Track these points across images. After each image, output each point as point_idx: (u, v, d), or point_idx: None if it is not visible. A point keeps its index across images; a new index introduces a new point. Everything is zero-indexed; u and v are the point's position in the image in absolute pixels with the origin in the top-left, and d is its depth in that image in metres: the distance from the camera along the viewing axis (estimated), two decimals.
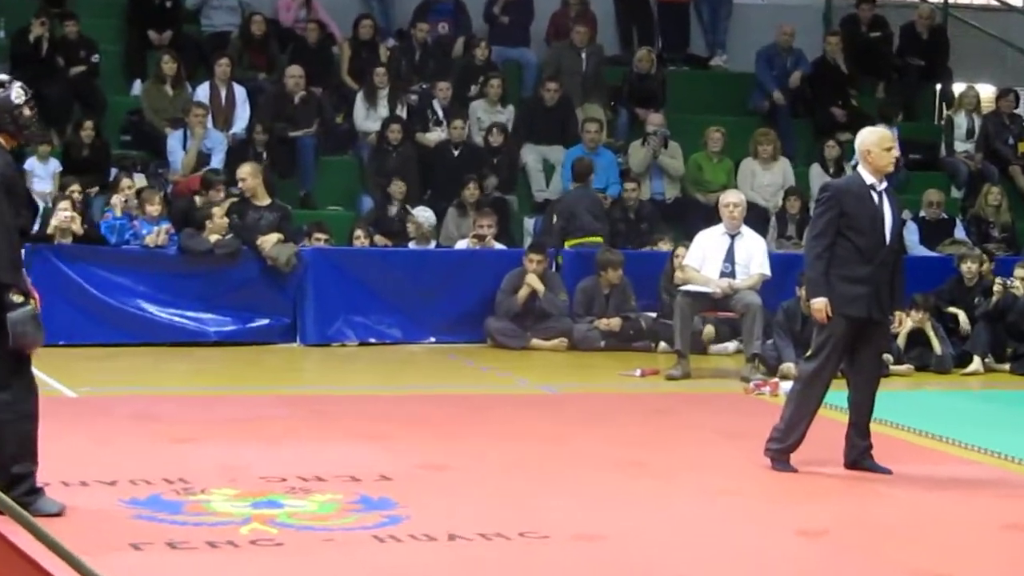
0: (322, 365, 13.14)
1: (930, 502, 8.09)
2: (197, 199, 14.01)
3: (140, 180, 14.41)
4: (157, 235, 13.40)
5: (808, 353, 8.76)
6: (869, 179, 8.49)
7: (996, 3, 19.93)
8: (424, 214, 14.83)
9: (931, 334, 13.26)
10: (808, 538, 7.18)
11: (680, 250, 13.37)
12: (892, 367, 12.52)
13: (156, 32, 16.20)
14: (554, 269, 14.43)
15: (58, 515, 6.80)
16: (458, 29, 17.32)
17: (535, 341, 13.94)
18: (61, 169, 14.43)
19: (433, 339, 14.05)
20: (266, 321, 13.66)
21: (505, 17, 17.46)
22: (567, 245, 14.73)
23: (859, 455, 8.61)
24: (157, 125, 15.40)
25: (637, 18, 18.22)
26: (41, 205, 13.44)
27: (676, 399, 11.47)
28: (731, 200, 12.71)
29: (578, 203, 14.90)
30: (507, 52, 17.39)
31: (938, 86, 18.72)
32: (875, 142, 8.50)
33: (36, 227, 12.63)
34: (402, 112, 15.93)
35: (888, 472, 8.54)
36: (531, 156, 16.26)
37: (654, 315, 14.05)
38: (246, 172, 13.88)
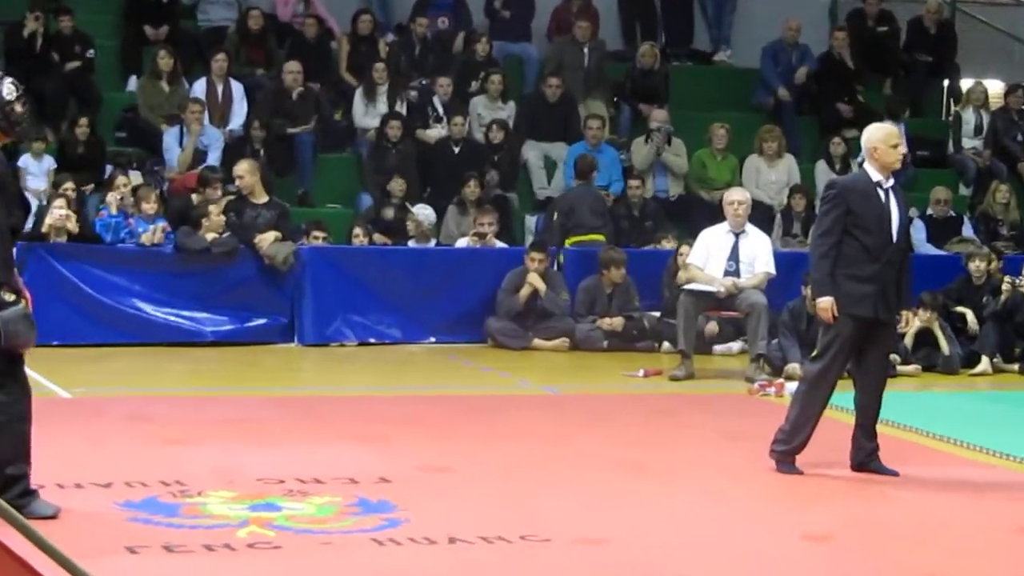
0: (320, 365, 13.06)
1: (938, 505, 8.01)
2: (193, 197, 13.92)
3: (136, 177, 14.38)
4: (153, 233, 13.31)
5: (814, 353, 8.66)
6: (876, 176, 8.41)
7: None
8: (424, 212, 14.72)
9: (939, 334, 13.16)
10: (813, 541, 7.10)
11: (684, 248, 13.30)
12: (899, 367, 12.43)
13: (152, 27, 16.14)
14: (556, 268, 14.33)
15: (53, 518, 6.74)
16: (458, 24, 17.26)
17: (536, 341, 13.83)
18: (56, 166, 14.33)
19: (433, 339, 13.96)
20: (263, 321, 13.56)
21: (506, 12, 17.40)
22: (569, 243, 14.64)
23: (866, 457, 8.53)
24: (153, 122, 15.31)
25: (640, 13, 18.14)
26: (35, 203, 13.36)
27: (679, 400, 11.40)
28: (735, 198, 12.60)
29: (580, 201, 14.81)
30: (508, 47, 17.31)
31: (946, 82, 18.62)
32: (882, 139, 8.43)
33: (30, 225, 12.51)
34: (402, 108, 15.85)
35: (895, 474, 8.47)
36: (532, 153, 16.17)
37: (658, 315, 13.95)
38: (243, 169, 13.78)
